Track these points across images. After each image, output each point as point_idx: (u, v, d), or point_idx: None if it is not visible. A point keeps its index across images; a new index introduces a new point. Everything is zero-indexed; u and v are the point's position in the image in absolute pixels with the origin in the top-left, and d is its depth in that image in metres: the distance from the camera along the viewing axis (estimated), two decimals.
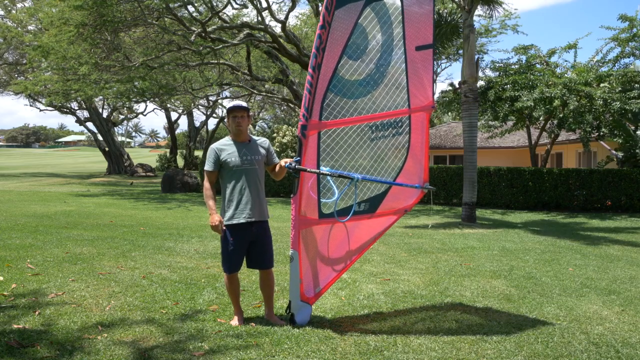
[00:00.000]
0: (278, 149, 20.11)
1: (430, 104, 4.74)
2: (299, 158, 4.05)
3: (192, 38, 16.61)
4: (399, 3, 4.39)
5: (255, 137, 4.36)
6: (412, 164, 4.75)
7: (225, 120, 4.27)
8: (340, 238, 4.50)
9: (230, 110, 4.20)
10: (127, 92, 20.53)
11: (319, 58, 3.95)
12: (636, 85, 15.32)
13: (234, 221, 4.16)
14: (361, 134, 4.44)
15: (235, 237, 4.17)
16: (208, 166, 4.22)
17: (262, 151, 4.30)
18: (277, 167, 4.30)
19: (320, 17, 3.97)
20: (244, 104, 4.28)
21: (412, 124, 4.71)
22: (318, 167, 4.19)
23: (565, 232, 10.89)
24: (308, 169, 4.08)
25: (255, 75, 21.60)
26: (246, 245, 4.23)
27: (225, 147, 4.22)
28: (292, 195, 4.14)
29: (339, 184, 4.27)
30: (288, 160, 4.13)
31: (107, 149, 36.98)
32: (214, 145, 4.27)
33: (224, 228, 4.15)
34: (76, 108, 37.76)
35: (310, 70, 3.95)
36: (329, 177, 4.21)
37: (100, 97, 27.93)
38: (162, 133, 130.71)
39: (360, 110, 4.36)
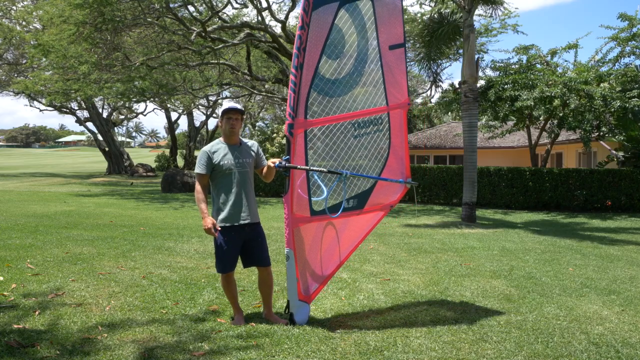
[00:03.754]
0: (277, 150, 20.07)
1: (406, 101, 4.91)
2: (288, 157, 4.09)
3: (192, 37, 16.60)
4: (370, 4, 4.54)
5: (244, 140, 4.38)
6: (394, 161, 4.91)
7: (218, 120, 4.28)
8: (331, 236, 4.58)
9: (226, 112, 4.20)
10: (127, 92, 20.51)
11: (301, 58, 4.06)
12: (636, 85, 15.32)
13: (228, 223, 4.17)
14: (345, 132, 4.56)
15: (229, 238, 4.18)
16: (200, 169, 4.21)
17: (252, 154, 4.33)
18: (266, 169, 4.34)
19: (299, 19, 4.07)
20: (239, 106, 4.29)
21: (391, 121, 4.87)
22: (307, 165, 4.27)
23: (565, 232, 10.89)
24: (298, 166, 4.15)
25: (255, 75, 21.59)
26: (239, 246, 4.24)
27: (218, 150, 4.23)
28: (283, 194, 4.17)
29: (328, 181, 4.35)
30: (276, 160, 4.16)
31: (107, 149, 36.97)
32: (206, 148, 4.26)
33: (218, 229, 4.16)
34: (76, 108, 37.76)
35: (293, 69, 4.05)
36: (316, 176, 4.27)
37: (100, 97, 27.91)
38: (162, 133, 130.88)
39: (342, 108, 4.48)
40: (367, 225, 4.84)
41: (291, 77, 4.04)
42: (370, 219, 4.85)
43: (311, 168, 4.22)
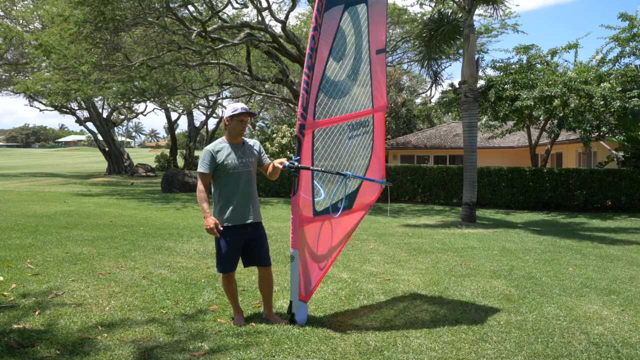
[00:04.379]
0: (277, 150, 20.07)
1: (385, 104, 5.13)
2: (298, 157, 4.09)
3: (193, 37, 16.60)
4: (365, 9, 4.66)
5: (246, 139, 4.38)
6: (375, 162, 5.08)
7: (225, 119, 4.24)
8: (327, 236, 4.64)
9: (239, 114, 4.18)
10: (127, 92, 20.52)
11: (313, 58, 4.08)
12: (636, 85, 15.31)
13: (232, 223, 4.17)
14: (342, 133, 4.65)
15: (232, 238, 4.17)
16: (203, 168, 4.19)
17: (255, 153, 4.34)
18: (271, 167, 4.34)
19: (313, 19, 4.09)
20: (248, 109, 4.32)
21: (374, 123, 5.02)
22: (312, 166, 4.32)
23: (565, 232, 10.89)
24: (310, 167, 4.18)
25: (255, 75, 21.58)
26: (241, 246, 4.24)
27: (222, 149, 4.21)
28: (292, 195, 4.17)
29: (328, 182, 4.46)
30: (284, 160, 4.15)
31: (107, 149, 36.97)
32: (210, 148, 4.24)
33: (221, 229, 4.16)
34: (76, 108, 37.76)
35: (306, 70, 4.06)
36: (314, 180, 4.34)
37: (100, 97, 27.90)
38: (162, 133, 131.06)
39: (341, 109, 4.56)
40: (352, 224, 4.99)
41: (304, 77, 4.05)
42: (355, 218, 5.01)
43: (322, 169, 4.28)
